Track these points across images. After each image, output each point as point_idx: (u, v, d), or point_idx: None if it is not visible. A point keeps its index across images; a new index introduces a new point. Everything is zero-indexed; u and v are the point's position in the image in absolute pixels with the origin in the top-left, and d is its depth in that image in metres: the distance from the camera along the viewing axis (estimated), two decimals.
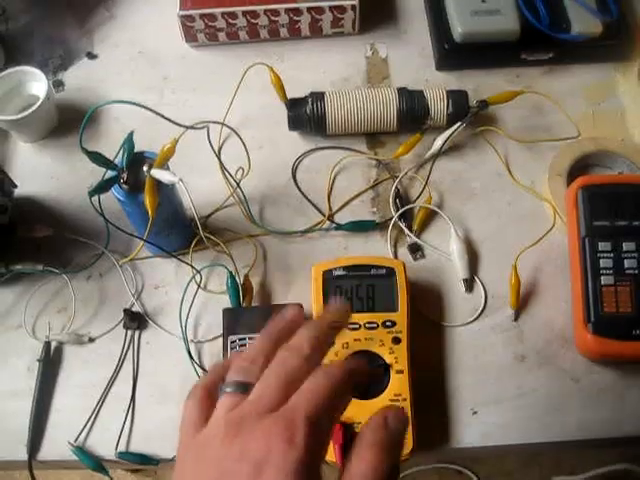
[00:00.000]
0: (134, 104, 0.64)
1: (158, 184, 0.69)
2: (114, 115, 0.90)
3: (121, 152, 0.69)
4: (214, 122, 0.73)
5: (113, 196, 0.70)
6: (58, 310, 0.79)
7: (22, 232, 0.81)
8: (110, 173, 0.70)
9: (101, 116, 0.91)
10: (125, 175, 0.70)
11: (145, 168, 0.70)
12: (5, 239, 0.80)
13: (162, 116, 0.66)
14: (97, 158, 0.68)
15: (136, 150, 0.69)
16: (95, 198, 0.74)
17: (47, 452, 0.72)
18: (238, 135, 0.77)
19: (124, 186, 0.70)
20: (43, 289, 0.80)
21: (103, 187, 0.70)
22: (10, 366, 0.76)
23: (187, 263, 0.77)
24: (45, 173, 0.88)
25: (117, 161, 0.69)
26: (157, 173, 0.69)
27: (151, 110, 0.65)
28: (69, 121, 0.91)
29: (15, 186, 0.84)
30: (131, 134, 0.70)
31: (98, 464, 0.72)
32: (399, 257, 0.80)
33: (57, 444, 0.72)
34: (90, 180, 0.85)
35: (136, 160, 0.71)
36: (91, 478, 0.77)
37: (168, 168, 0.70)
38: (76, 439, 0.72)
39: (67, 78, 0.95)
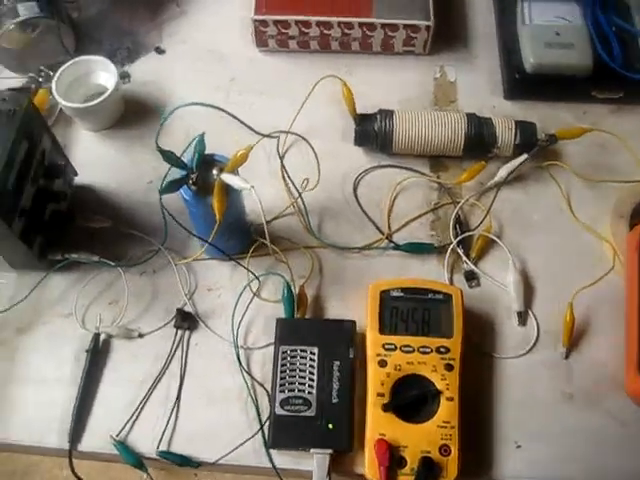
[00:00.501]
0: (218, 109, 0.65)
1: (226, 189, 0.70)
2: (178, 113, 0.89)
3: (191, 153, 0.70)
4: (289, 132, 0.74)
5: (180, 196, 0.71)
6: (109, 302, 0.79)
7: (80, 221, 0.81)
8: (176, 173, 0.70)
9: (167, 111, 0.91)
10: (194, 176, 0.70)
11: (215, 171, 0.70)
12: (63, 226, 0.81)
13: (241, 122, 0.66)
14: (170, 157, 0.69)
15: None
16: (157, 195, 0.75)
17: (87, 443, 0.72)
18: (311, 147, 0.77)
19: (192, 187, 0.70)
20: (96, 280, 0.80)
21: (173, 186, 0.70)
22: (57, 354, 0.76)
23: (246, 269, 0.76)
24: (106, 164, 0.89)
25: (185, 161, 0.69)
26: (228, 178, 0.69)
27: (233, 116, 0.65)
28: (132, 114, 0.92)
29: (76, 174, 0.84)
30: (202, 136, 0.70)
31: (138, 460, 0.71)
32: (454, 283, 0.80)
33: (98, 436, 0.72)
34: (151, 176, 0.86)
35: (205, 162, 0.71)
36: (100, 467, 0.76)
37: (237, 173, 0.70)
38: (118, 433, 0.72)
39: (133, 70, 0.96)
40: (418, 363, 0.71)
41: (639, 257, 0.75)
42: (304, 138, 0.76)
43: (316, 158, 0.79)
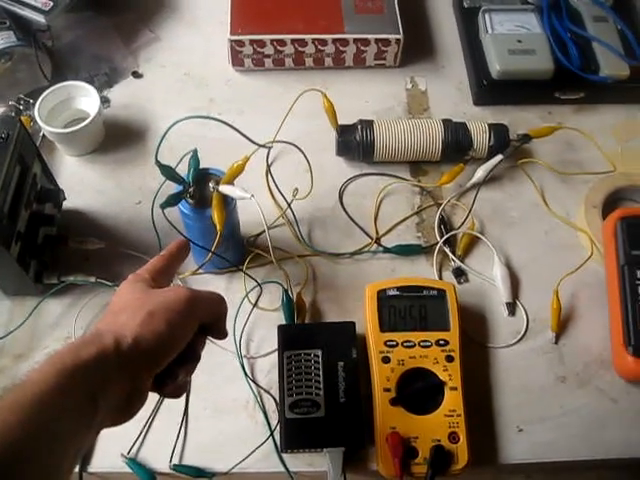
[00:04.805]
0: (219, 120, 0.67)
1: (224, 200, 0.72)
2: (161, 134, 0.92)
3: (187, 168, 0.72)
4: (283, 142, 0.76)
5: (178, 210, 0.72)
6: None
7: (73, 244, 0.82)
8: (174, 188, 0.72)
9: (148, 133, 0.93)
10: (192, 190, 0.72)
11: (211, 184, 0.72)
12: (56, 250, 0.81)
13: (240, 132, 0.68)
14: (168, 172, 0.70)
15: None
16: (148, 213, 0.76)
17: (98, 463, 0.72)
18: (304, 155, 0.79)
19: (190, 201, 0.72)
20: (93, 302, 0.80)
21: (173, 201, 0.71)
22: None
23: (250, 276, 0.78)
24: (91, 187, 0.89)
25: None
26: (228, 189, 0.71)
27: (232, 127, 0.67)
28: (113, 138, 0.93)
29: (65, 198, 0.85)
30: (195, 151, 0.72)
31: (152, 477, 0.71)
32: (444, 280, 0.83)
33: (108, 455, 0.72)
34: (138, 197, 0.87)
35: (201, 176, 0.73)
36: None
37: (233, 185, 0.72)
38: (129, 451, 0.72)
39: (112, 95, 0.97)
40: (420, 357, 0.73)
41: (616, 243, 0.79)
42: (297, 147, 0.78)
43: (309, 165, 0.82)
